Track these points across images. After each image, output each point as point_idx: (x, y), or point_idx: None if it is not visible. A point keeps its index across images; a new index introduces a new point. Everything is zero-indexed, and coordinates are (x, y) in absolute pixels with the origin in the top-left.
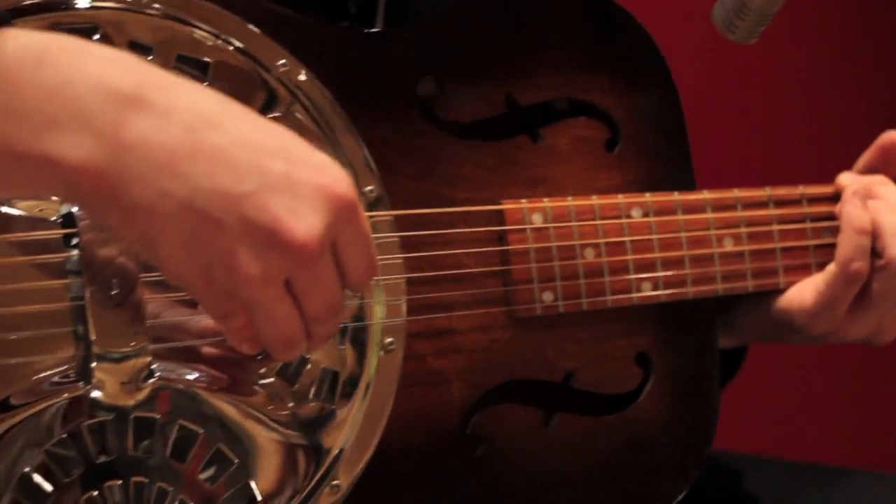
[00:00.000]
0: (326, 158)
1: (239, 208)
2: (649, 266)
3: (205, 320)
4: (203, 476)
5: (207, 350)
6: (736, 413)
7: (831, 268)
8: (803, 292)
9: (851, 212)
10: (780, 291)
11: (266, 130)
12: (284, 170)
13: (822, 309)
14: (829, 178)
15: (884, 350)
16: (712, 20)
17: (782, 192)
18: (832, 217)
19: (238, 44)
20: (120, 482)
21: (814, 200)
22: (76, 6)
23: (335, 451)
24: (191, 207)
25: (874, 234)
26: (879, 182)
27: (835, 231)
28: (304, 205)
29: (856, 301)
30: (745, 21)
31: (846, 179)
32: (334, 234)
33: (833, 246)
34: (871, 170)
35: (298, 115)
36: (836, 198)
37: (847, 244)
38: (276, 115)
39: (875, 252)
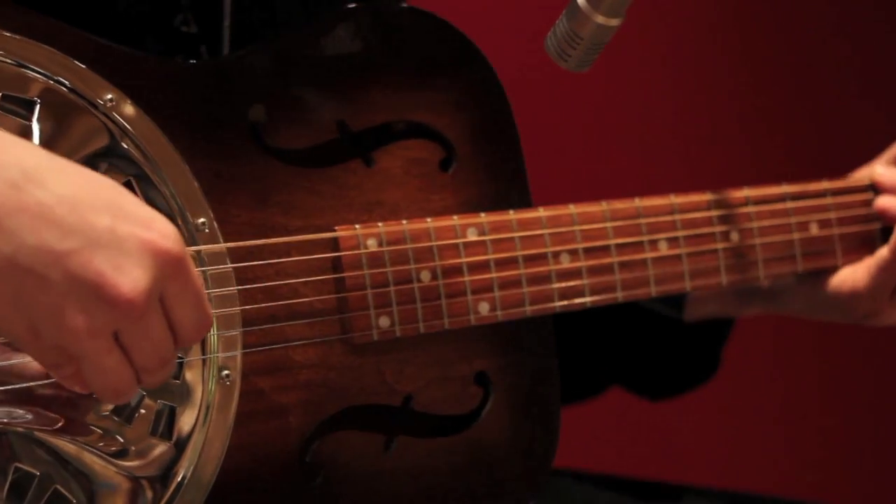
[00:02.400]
0: (153, 212)
1: (64, 264)
2: (486, 286)
3: (37, 364)
4: None
5: (42, 392)
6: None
7: (884, 253)
8: (856, 274)
9: None
10: (831, 272)
11: (92, 185)
12: (110, 225)
13: (871, 291)
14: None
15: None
16: (546, 49)
17: (619, 205)
18: (672, 227)
19: (65, 80)
20: None
21: (653, 213)
22: None
23: (175, 484)
24: (15, 264)
25: None
26: None
27: (674, 242)
28: (130, 260)
29: None
30: (576, 50)
31: (890, 175)
32: (161, 289)
33: (671, 258)
34: None
35: (127, 149)
36: (682, 209)
37: None
38: (103, 150)
39: None
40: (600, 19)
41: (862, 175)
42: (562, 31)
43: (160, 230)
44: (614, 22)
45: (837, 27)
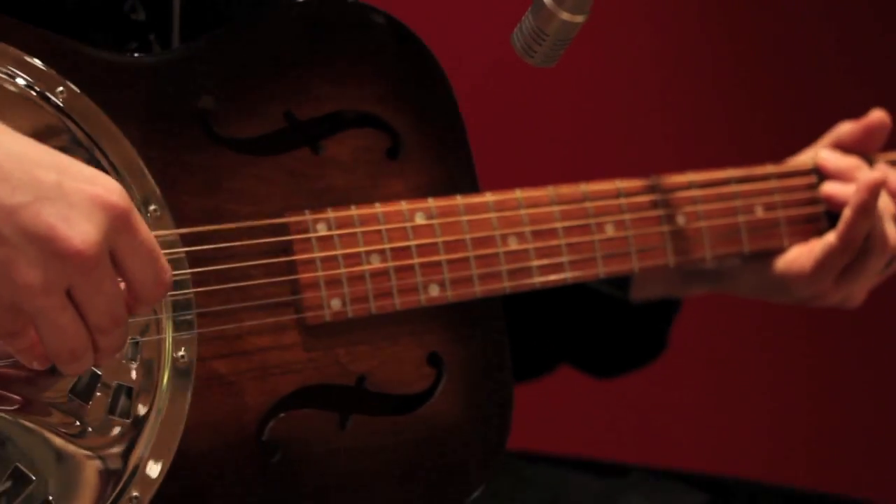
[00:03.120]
0: (97, 171)
1: (14, 219)
2: (436, 268)
3: None
4: (2, 496)
5: (1, 371)
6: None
7: (830, 238)
8: (801, 258)
9: (866, 199)
10: (776, 255)
11: (38, 147)
12: (56, 180)
13: (817, 275)
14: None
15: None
16: (512, 45)
17: (565, 190)
18: (617, 210)
19: (17, 74)
20: None
21: (598, 197)
22: None
23: (133, 464)
24: None
25: None
26: (861, 166)
27: (620, 225)
28: (77, 213)
29: (841, 271)
30: (542, 46)
31: (834, 160)
32: (111, 241)
33: (617, 239)
34: (851, 143)
35: (80, 141)
36: (628, 193)
37: (853, 223)
38: (58, 142)
39: None
40: (565, 16)
41: (806, 158)
42: (527, 27)
43: (105, 185)
44: (579, 18)
45: (827, 21)
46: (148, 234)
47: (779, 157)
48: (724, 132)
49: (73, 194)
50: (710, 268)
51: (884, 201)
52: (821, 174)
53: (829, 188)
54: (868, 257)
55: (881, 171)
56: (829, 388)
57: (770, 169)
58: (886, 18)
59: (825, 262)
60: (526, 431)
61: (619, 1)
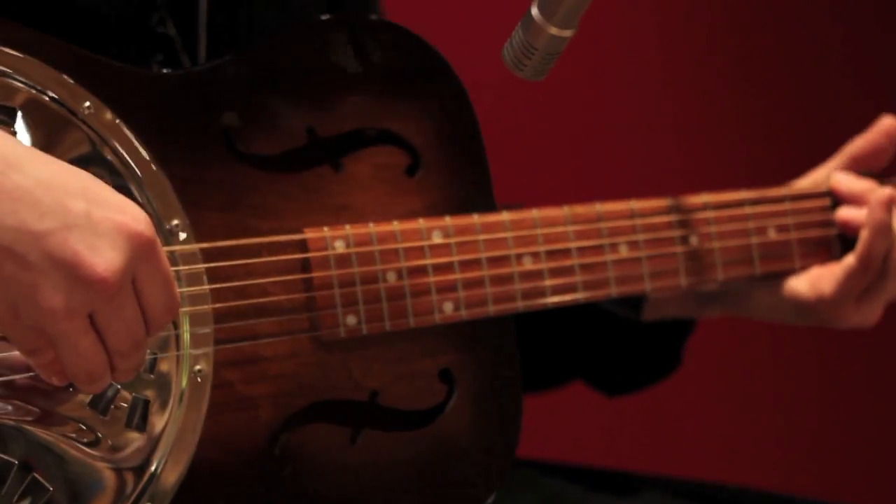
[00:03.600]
0: (125, 199)
1: (41, 244)
2: (450, 287)
3: (15, 354)
4: None
5: (20, 383)
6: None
7: (850, 261)
8: (822, 281)
9: (882, 217)
10: (793, 276)
11: (68, 172)
12: (85, 209)
13: (839, 296)
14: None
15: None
16: (503, 59)
17: (580, 210)
18: (631, 231)
19: (47, 90)
20: None
21: (612, 217)
22: None
23: (148, 474)
24: None
25: None
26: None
27: (633, 245)
28: (104, 241)
29: (861, 294)
30: (532, 60)
31: (847, 183)
32: (133, 270)
33: (630, 260)
34: (866, 154)
35: (105, 155)
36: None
37: (871, 243)
38: (82, 156)
39: None
40: (554, 31)
41: (819, 177)
42: (517, 41)
43: (132, 214)
44: (567, 33)
45: (833, 25)
46: (166, 263)
47: (792, 166)
48: (736, 142)
49: (101, 223)
50: (724, 290)
51: None
52: (835, 197)
53: (844, 213)
54: (887, 278)
55: (893, 188)
56: (838, 396)
57: (784, 191)
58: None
59: (846, 284)
60: (535, 440)
61: (631, 11)
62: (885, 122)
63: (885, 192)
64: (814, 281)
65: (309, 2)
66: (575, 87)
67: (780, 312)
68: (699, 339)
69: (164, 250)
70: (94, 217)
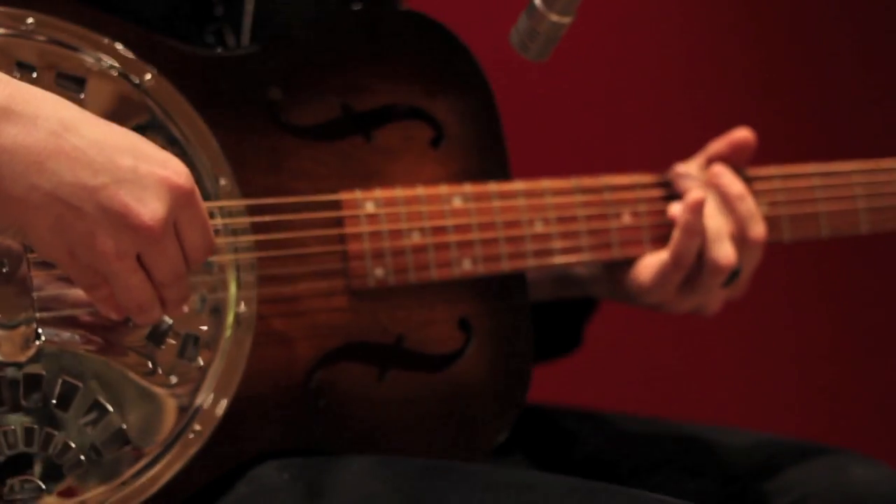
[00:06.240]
0: (168, 154)
1: (95, 197)
2: (469, 245)
3: (80, 292)
4: (83, 422)
5: (85, 317)
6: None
7: (663, 256)
8: (642, 272)
9: (689, 218)
10: (627, 266)
11: (117, 132)
12: (133, 165)
13: (655, 287)
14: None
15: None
16: (510, 41)
17: (588, 181)
18: (639, 201)
19: (110, 62)
20: (13, 428)
21: (616, 189)
22: None
23: (197, 402)
24: (56, 198)
25: None
26: (705, 187)
27: (638, 214)
28: (149, 193)
29: (682, 284)
30: (535, 43)
31: (687, 181)
32: (175, 216)
33: (639, 228)
34: (719, 159)
35: (164, 122)
36: (643, 186)
37: (680, 243)
38: (144, 122)
39: None
40: (554, 17)
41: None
42: (522, 26)
43: (174, 168)
44: (566, 20)
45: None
46: (204, 211)
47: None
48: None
49: (146, 177)
50: (581, 274)
51: (720, 220)
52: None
53: (672, 209)
54: (703, 274)
55: (702, 192)
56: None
57: (635, 179)
58: None
59: (659, 276)
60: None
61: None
62: (737, 134)
63: (695, 195)
64: (638, 270)
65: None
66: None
67: (617, 296)
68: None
69: (202, 199)
70: (140, 172)
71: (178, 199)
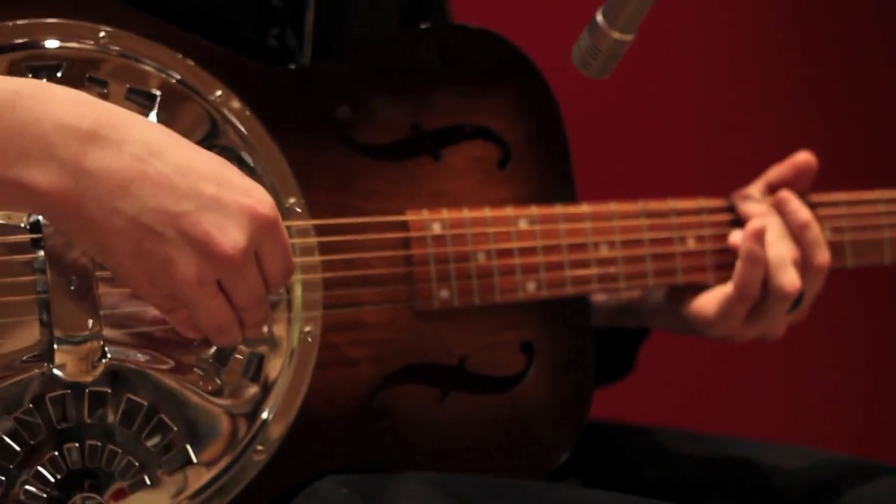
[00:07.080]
0: (253, 183)
1: (177, 224)
2: (534, 268)
3: (151, 310)
4: (147, 441)
5: (157, 335)
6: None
7: (728, 289)
8: (707, 305)
9: (751, 247)
10: (690, 298)
11: (202, 158)
12: (216, 192)
13: (720, 320)
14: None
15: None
16: (572, 59)
17: (653, 205)
18: (704, 225)
19: (180, 77)
20: (77, 445)
21: (682, 213)
22: (45, 46)
23: (259, 422)
24: (138, 223)
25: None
26: (767, 213)
27: (703, 239)
28: (231, 222)
29: (747, 314)
30: (597, 60)
31: (750, 207)
32: (256, 245)
33: (703, 253)
34: (781, 184)
35: (231, 138)
36: (709, 211)
37: (744, 273)
38: (212, 138)
39: None
40: (616, 35)
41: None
42: (584, 44)
43: (258, 197)
44: (628, 37)
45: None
46: (286, 238)
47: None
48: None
49: (229, 205)
50: (639, 304)
51: (783, 248)
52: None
53: (732, 238)
54: (768, 302)
55: (763, 220)
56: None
57: (701, 203)
58: None
59: (725, 308)
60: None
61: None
62: (798, 158)
63: (755, 224)
64: (702, 303)
65: (392, 8)
66: (650, 90)
67: (679, 328)
68: None
69: (284, 227)
70: (223, 200)
71: (261, 229)
